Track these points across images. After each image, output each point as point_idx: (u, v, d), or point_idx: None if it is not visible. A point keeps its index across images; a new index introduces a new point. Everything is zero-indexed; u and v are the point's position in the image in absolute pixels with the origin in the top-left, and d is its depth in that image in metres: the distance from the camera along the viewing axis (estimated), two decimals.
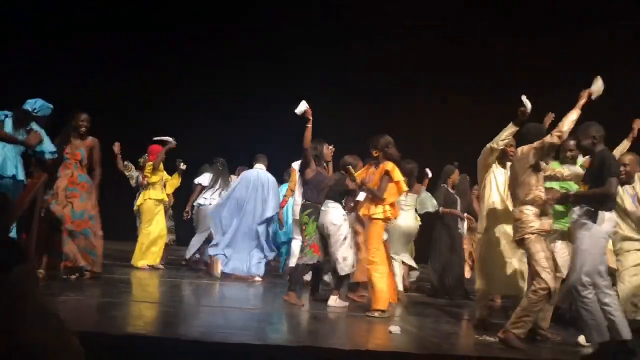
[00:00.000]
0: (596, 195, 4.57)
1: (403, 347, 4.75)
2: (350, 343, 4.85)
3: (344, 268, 6.21)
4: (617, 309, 4.51)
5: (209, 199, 8.73)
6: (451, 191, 8.07)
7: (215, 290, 7.43)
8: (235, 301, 6.68)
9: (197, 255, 9.16)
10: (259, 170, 8.25)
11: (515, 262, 5.36)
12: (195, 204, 8.95)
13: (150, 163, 8.43)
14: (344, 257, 6.20)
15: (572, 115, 4.82)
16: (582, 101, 4.86)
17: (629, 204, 5.33)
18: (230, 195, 8.22)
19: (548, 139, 4.82)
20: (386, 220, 5.96)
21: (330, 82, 12.07)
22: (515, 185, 4.99)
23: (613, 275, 5.76)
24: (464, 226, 8.31)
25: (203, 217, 8.75)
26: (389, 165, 5.88)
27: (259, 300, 6.96)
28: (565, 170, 5.40)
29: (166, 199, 8.71)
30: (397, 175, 5.89)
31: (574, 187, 5.32)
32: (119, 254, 9.08)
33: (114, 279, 7.08)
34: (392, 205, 5.94)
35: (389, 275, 6.18)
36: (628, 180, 5.28)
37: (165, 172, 8.73)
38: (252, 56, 12.37)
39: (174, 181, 8.90)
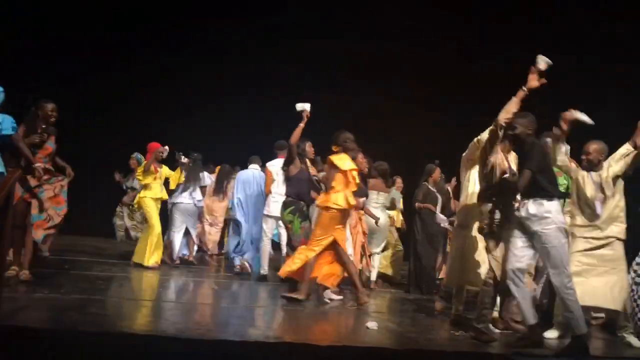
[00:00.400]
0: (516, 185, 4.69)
1: (380, 343, 4.77)
2: (326, 339, 4.88)
3: None
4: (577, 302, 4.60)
5: (187, 197, 8.80)
6: (432, 189, 8.20)
7: (207, 287, 7.44)
8: (224, 299, 6.71)
9: (186, 253, 9.19)
10: (254, 171, 8.46)
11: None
12: (169, 202, 8.96)
13: (141, 167, 8.31)
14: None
15: (512, 107, 4.89)
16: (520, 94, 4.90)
17: (590, 190, 5.33)
18: (235, 200, 8.48)
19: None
20: (335, 209, 6.04)
21: (309, 78, 12.06)
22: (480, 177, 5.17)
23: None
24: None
25: (180, 214, 8.81)
26: (334, 157, 6.07)
27: (243, 297, 6.96)
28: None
29: (165, 196, 8.58)
30: (344, 165, 6.04)
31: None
32: (96, 250, 9.04)
33: (93, 276, 7.03)
34: (339, 193, 6.05)
35: (318, 264, 6.20)
36: (591, 168, 5.38)
37: (166, 168, 8.56)
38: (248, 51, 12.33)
39: (176, 176, 8.73)
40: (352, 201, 6.17)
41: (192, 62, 12.13)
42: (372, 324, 5.12)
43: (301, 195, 6.66)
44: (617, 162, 5.35)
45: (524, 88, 4.85)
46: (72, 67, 11.26)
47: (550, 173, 4.77)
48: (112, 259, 8.83)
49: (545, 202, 4.61)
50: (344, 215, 6.17)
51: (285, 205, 6.65)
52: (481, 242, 5.41)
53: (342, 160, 6.07)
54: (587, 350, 4.56)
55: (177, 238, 8.82)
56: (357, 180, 6.23)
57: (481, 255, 5.45)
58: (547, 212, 4.59)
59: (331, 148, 6.25)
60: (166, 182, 8.70)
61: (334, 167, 6.08)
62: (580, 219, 5.42)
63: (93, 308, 5.02)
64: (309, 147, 6.96)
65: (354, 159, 6.25)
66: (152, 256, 8.10)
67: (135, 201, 8.57)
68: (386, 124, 12.37)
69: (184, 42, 12.02)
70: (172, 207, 8.88)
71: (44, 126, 6.00)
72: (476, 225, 5.42)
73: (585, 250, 5.32)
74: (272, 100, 11.32)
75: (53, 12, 11.16)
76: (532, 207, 4.64)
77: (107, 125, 11.68)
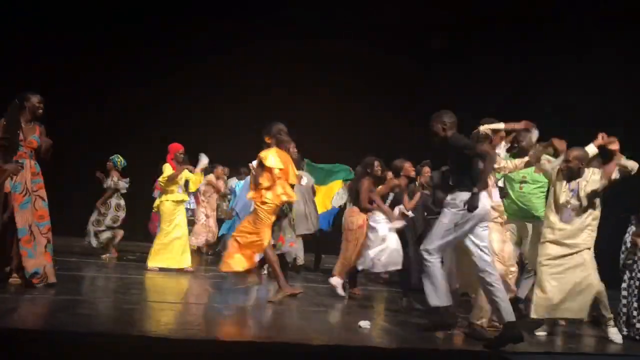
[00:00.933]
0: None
1: (373, 342, 4.77)
2: (319, 338, 4.84)
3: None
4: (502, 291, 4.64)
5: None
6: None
7: (198, 287, 7.37)
8: (215, 298, 6.67)
9: None
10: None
11: None
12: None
13: (165, 176, 8.04)
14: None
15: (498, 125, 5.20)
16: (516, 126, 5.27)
17: (562, 198, 5.35)
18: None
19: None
20: (267, 206, 6.02)
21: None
22: None
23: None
24: None
25: None
26: (263, 154, 6.04)
27: (228, 295, 6.89)
28: (509, 162, 5.50)
29: (186, 198, 8.49)
30: (269, 162, 5.99)
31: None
32: (86, 251, 8.97)
33: (82, 277, 6.98)
34: (270, 190, 6.01)
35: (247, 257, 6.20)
36: (571, 176, 5.38)
37: (186, 171, 8.33)
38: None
39: (198, 178, 8.55)
40: (285, 197, 6.14)
41: (184, 63, 12.09)
42: (364, 323, 5.10)
43: None
44: (594, 182, 5.38)
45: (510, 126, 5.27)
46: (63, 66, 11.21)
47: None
48: (102, 259, 8.77)
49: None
50: (275, 211, 6.16)
51: None
52: None
53: (270, 157, 6.01)
54: (521, 337, 4.56)
55: None
56: (291, 175, 6.21)
57: None
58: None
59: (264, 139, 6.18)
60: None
61: (261, 165, 6.05)
62: (553, 223, 5.41)
63: (82, 309, 4.97)
64: (292, 149, 6.88)
65: (287, 150, 6.27)
66: (153, 260, 8.00)
67: (155, 204, 8.41)
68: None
69: (174, 42, 11.97)
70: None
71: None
72: None
73: (557, 257, 5.34)
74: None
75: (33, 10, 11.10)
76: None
77: (101, 125, 11.66)
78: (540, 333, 5.40)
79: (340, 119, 12.28)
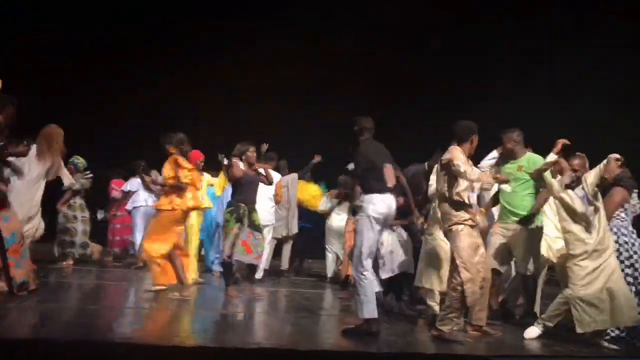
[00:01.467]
0: None
1: (359, 347, 4.73)
2: (305, 343, 4.82)
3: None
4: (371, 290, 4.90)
5: (148, 199, 8.89)
6: None
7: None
8: (200, 305, 6.65)
9: None
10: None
11: None
12: (129, 207, 9.13)
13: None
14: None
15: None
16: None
17: (578, 206, 5.25)
18: None
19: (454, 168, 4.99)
20: (171, 210, 6.31)
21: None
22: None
23: (553, 268, 5.95)
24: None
25: (143, 216, 8.85)
26: (168, 163, 6.39)
27: (220, 303, 6.76)
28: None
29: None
30: (167, 171, 6.39)
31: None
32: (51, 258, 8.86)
33: (68, 284, 6.97)
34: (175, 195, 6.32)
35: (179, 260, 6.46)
36: (574, 185, 5.31)
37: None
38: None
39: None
40: (190, 203, 6.39)
41: (183, 63, 12.11)
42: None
43: (247, 199, 6.75)
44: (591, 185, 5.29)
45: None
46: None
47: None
48: (88, 266, 8.74)
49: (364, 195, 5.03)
50: (183, 216, 6.44)
51: (228, 205, 6.76)
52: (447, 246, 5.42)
53: (167, 168, 6.37)
54: (373, 333, 4.85)
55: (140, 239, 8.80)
56: (190, 183, 6.41)
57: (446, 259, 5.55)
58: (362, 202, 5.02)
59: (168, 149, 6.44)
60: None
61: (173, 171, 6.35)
62: (578, 231, 5.26)
63: (67, 317, 4.98)
64: (250, 152, 6.89)
65: (187, 159, 6.50)
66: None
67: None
68: None
69: (174, 42, 11.99)
70: (133, 210, 9.04)
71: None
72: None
73: (594, 270, 5.13)
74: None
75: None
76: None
77: (101, 125, 11.68)
78: (531, 335, 5.29)
79: (340, 119, 12.22)
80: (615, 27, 10.05)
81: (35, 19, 11.26)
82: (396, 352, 4.65)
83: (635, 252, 5.48)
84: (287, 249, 9.16)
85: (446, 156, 5.06)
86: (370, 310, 4.88)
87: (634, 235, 5.59)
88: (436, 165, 5.54)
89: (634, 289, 5.35)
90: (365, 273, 4.90)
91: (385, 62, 12.08)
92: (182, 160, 6.36)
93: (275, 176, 8.23)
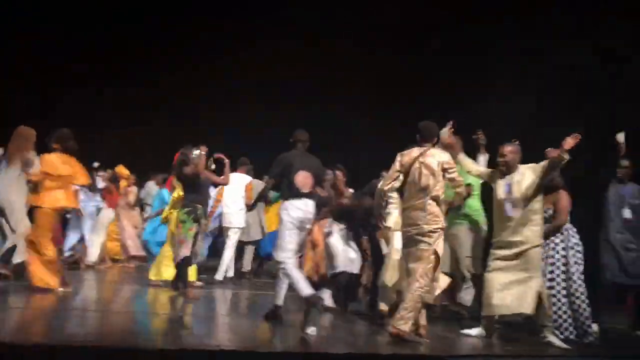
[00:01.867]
0: None
1: (320, 348, 4.71)
2: (262, 345, 4.81)
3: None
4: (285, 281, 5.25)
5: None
6: None
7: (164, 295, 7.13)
8: (181, 308, 6.46)
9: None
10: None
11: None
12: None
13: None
14: None
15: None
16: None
17: (501, 192, 5.33)
18: None
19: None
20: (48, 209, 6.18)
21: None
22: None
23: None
24: None
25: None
26: (45, 159, 6.24)
27: (202, 306, 6.65)
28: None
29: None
30: (48, 167, 6.20)
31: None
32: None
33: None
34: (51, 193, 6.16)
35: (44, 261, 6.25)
36: (508, 170, 5.38)
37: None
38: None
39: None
40: (65, 202, 6.28)
41: (183, 63, 12.12)
42: (311, 330, 5.01)
43: (202, 200, 6.77)
44: (529, 177, 5.33)
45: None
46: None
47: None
48: (69, 269, 8.48)
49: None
50: (53, 216, 6.26)
51: (184, 206, 6.69)
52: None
53: (50, 163, 6.21)
54: (277, 317, 5.31)
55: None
56: (79, 178, 6.39)
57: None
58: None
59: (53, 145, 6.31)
60: None
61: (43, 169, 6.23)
62: (496, 227, 5.40)
63: (46, 320, 4.97)
64: (203, 150, 6.78)
65: (72, 156, 6.37)
66: (156, 273, 7.45)
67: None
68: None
69: (174, 42, 11.99)
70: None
71: None
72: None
73: (501, 258, 5.28)
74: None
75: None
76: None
77: (100, 125, 11.68)
78: (475, 333, 5.31)
79: (339, 119, 12.26)
80: (615, 27, 10.05)
81: (35, 19, 11.27)
82: (355, 352, 4.66)
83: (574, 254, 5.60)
84: (249, 251, 9.01)
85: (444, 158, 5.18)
86: (280, 298, 5.34)
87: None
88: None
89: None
90: (283, 266, 5.22)
91: (385, 62, 12.05)
92: (40, 158, 6.27)
93: (246, 179, 8.47)
